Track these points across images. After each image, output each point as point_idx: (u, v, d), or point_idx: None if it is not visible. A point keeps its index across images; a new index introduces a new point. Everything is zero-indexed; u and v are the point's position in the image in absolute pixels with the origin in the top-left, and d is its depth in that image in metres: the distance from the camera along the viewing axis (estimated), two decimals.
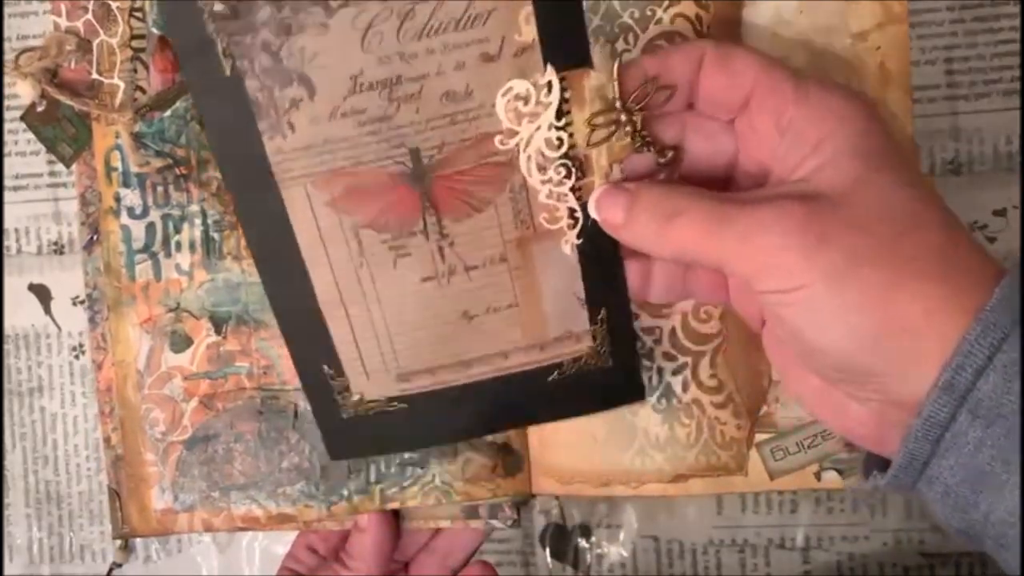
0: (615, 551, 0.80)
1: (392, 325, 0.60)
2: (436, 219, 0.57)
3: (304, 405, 0.67)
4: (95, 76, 0.67)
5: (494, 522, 0.69)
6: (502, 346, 0.61)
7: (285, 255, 0.58)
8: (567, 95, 0.52)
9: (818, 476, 0.66)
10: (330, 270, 0.58)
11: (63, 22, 0.67)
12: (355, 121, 0.54)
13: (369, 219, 0.57)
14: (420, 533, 0.72)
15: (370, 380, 0.62)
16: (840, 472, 0.65)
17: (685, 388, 0.65)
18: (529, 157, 0.53)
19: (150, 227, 0.68)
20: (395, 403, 0.63)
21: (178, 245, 0.68)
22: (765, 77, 0.49)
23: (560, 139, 0.53)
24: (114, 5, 0.67)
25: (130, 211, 0.68)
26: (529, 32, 0.52)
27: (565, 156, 0.53)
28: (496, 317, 0.60)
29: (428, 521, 0.70)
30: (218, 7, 0.51)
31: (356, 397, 0.62)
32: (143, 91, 0.68)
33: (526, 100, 0.52)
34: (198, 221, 0.68)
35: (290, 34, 0.51)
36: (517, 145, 0.53)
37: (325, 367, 0.62)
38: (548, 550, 0.80)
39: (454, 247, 0.58)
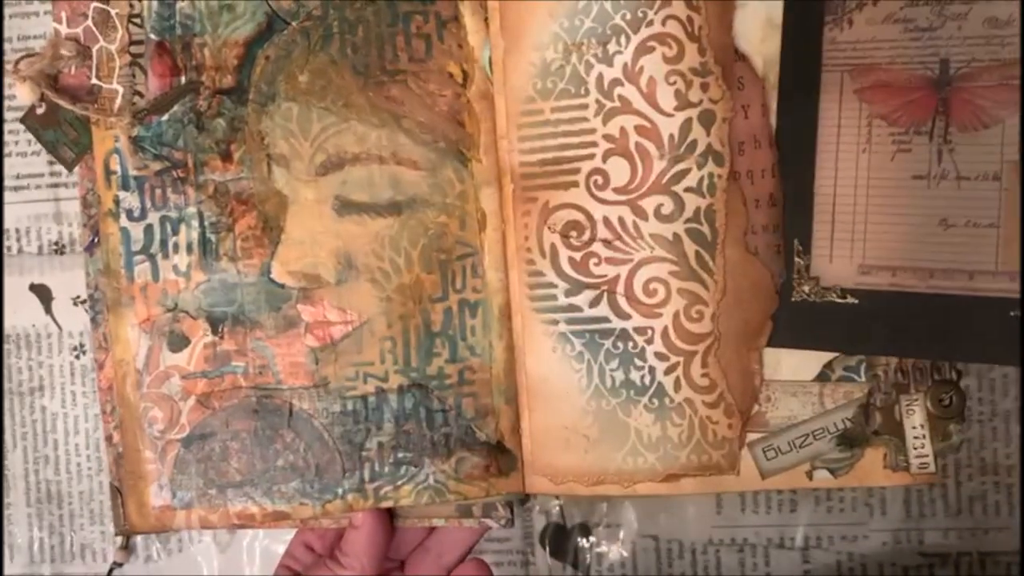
0: (615, 551, 0.81)
1: (871, 212, 0.64)
2: (944, 124, 0.62)
3: (299, 404, 0.69)
4: (94, 81, 0.69)
5: (488, 521, 0.71)
6: (971, 264, 0.62)
7: (805, 134, 0.65)
8: None
9: (810, 475, 0.67)
10: (835, 150, 0.64)
11: (63, 28, 0.69)
12: (903, 27, 0.63)
13: (886, 111, 0.64)
14: (415, 532, 0.73)
15: (832, 264, 0.65)
16: (832, 471, 0.67)
17: (677, 388, 0.66)
18: None
19: (148, 229, 0.70)
20: (848, 296, 0.65)
21: (175, 247, 0.70)
22: None
23: None
24: (113, 12, 0.69)
25: (129, 213, 0.70)
26: None
27: None
28: (973, 233, 0.62)
29: (422, 520, 0.72)
30: None
31: (812, 282, 0.65)
32: (141, 96, 0.70)
33: None
34: (195, 223, 0.70)
35: None
36: None
37: (796, 241, 0.65)
38: (548, 549, 0.82)
39: (953, 153, 0.62)
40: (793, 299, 0.66)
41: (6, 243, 0.85)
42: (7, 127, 0.84)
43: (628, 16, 0.65)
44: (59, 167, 0.83)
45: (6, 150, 0.84)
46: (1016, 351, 0.62)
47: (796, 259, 0.65)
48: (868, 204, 0.64)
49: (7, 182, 0.85)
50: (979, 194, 0.62)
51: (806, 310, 0.65)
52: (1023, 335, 0.62)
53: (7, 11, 0.83)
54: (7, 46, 0.83)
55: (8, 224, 0.85)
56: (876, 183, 0.64)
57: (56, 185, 0.84)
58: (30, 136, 0.78)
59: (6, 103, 0.83)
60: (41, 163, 0.84)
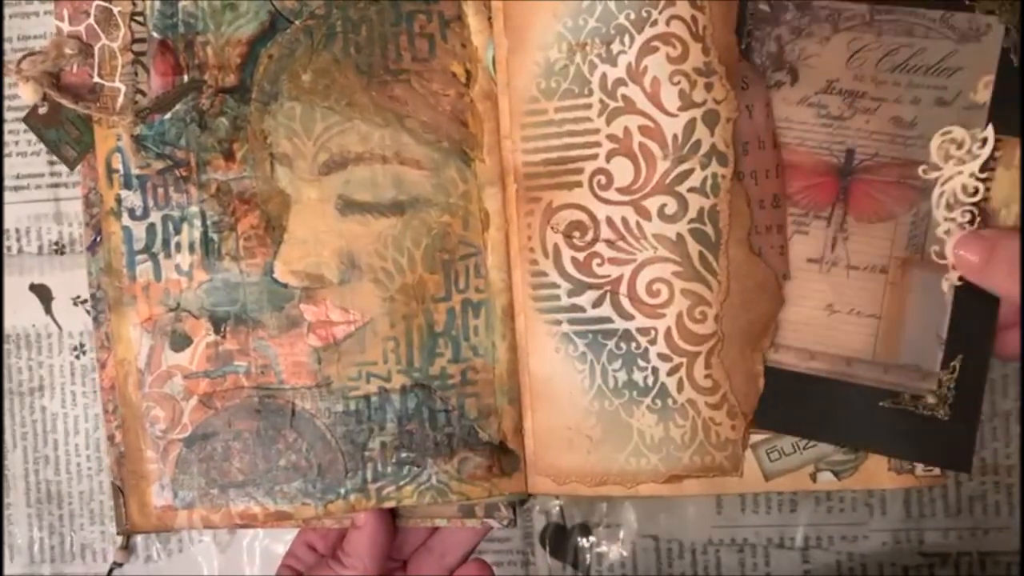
0: (615, 550, 0.82)
1: None
2: (843, 212, 0.65)
3: (301, 404, 0.70)
4: (97, 80, 0.70)
5: (490, 521, 0.71)
6: (849, 351, 0.65)
7: None
8: (997, 155, 0.63)
9: (813, 477, 0.67)
10: None
11: (65, 26, 0.70)
12: (816, 112, 0.66)
13: (790, 191, 0.66)
14: (418, 532, 0.73)
15: None
16: (836, 473, 0.67)
17: (680, 389, 0.66)
18: (943, 193, 0.63)
19: (150, 228, 0.70)
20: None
21: (178, 246, 0.70)
22: None
23: (976, 188, 0.63)
24: (115, 10, 0.69)
25: (131, 212, 0.70)
26: (984, 95, 0.63)
27: (975, 205, 0.63)
28: (856, 321, 0.65)
29: (425, 520, 0.72)
30: (763, 6, 0.66)
31: None
32: (143, 94, 0.70)
33: (959, 145, 0.63)
34: (197, 222, 0.70)
35: (799, 36, 0.65)
36: (936, 179, 0.64)
37: None
38: (548, 549, 0.82)
39: (847, 242, 0.65)
40: None
41: (6, 243, 0.85)
42: (7, 127, 0.84)
43: (632, 16, 0.65)
44: (59, 167, 0.84)
45: (6, 150, 0.85)
46: (877, 439, 0.65)
47: None
48: None
49: (7, 182, 0.85)
50: (866, 284, 0.65)
51: None
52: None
53: (7, 11, 0.84)
54: (7, 46, 0.84)
55: (8, 224, 0.85)
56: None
57: (56, 185, 0.85)
58: (30, 136, 0.79)
59: (7, 103, 0.83)
60: (41, 163, 0.84)
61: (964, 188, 0.63)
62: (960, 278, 0.63)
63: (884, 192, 0.65)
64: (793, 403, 0.66)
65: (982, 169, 0.62)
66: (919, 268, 0.65)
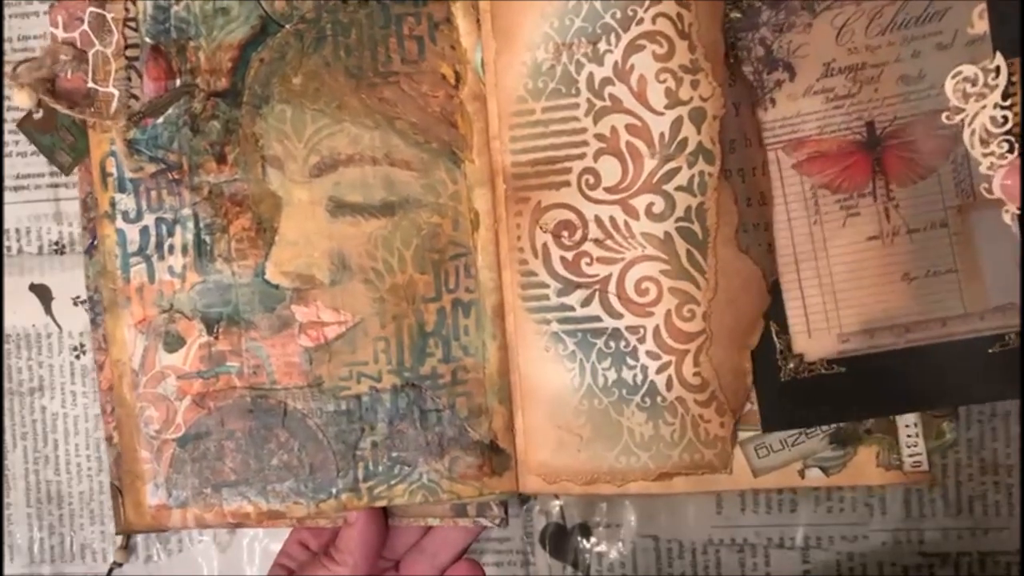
0: (615, 551, 0.82)
1: (837, 281, 0.67)
2: (884, 183, 0.66)
3: (293, 404, 0.71)
4: (91, 85, 0.71)
5: (482, 520, 0.72)
6: (941, 311, 0.66)
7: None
8: (1014, 79, 0.62)
9: (802, 474, 0.69)
10: (788, 227, 0.68)
11: (60, 33, 0.71)
12: (824, 98, 0.67)
13: (827, 180, 0.67)
14: (410, 532, 0.75)
15: (812, 339, 0.68)
16: (824, 470, 0.68)
17: (669, 386, 0.67)
18: (973, 132, 0.63)
19: (144, 231, 0.72)
20: (834, 366, 0.68)
21: (171, 248, 0.71)
22: None
23: (1005, 117, 0.62)
24: (109, 16, 0.71)
25: (125, 215, 0.72)
26: (981, 25, 0.63)
27: (1008, 133, 0.63)
28: (935, 281, 0.66)
29: (417, 519, 0.73)
30: (736, 14, 0.67)
31: (796, 359, 0.68)
32: (136, 99, 0.71)
33: (974, 82, 0.63)
34: (190, 224, 0.71)
35: (782, 32, 0.67)
36: (962, 120, 0.64)
37: (772, 324, 0.68)
38: (548, 549, 0.83)
39: (899, 209, 0.66)
40: (782, 379, 0.68)
41: (6, 243, 0.86)
42: (7, 127, 0.85)
43: (618, 15, 0.66)
44: None
45: (6, 150, 0.85)
46: (1000, 385, 0.65)
47: (775, 340, 0.68)
48: (832, 273, 0.67)
49: (7, 182, 0.85)
50: (932, 243, 0.66)
51: (798, 388, 0.68)
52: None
53: (7, 11, 0.84)
54: (7, 46, 0.84)
55: (8, 224, 0.86)
56: (834, 251, 0.67)
57: (56, 185, 0.85)
58: None
59: (7, 104, 0.84)
60: (41, 163, 0.84)
61: (993, 120, 0.63)
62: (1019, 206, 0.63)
63: (916, 150, 0.66)
64: (908, 380, 0.67)
65: (1004, 97, 0.63)
66: (976, 211, 0.65)
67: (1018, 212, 0.63)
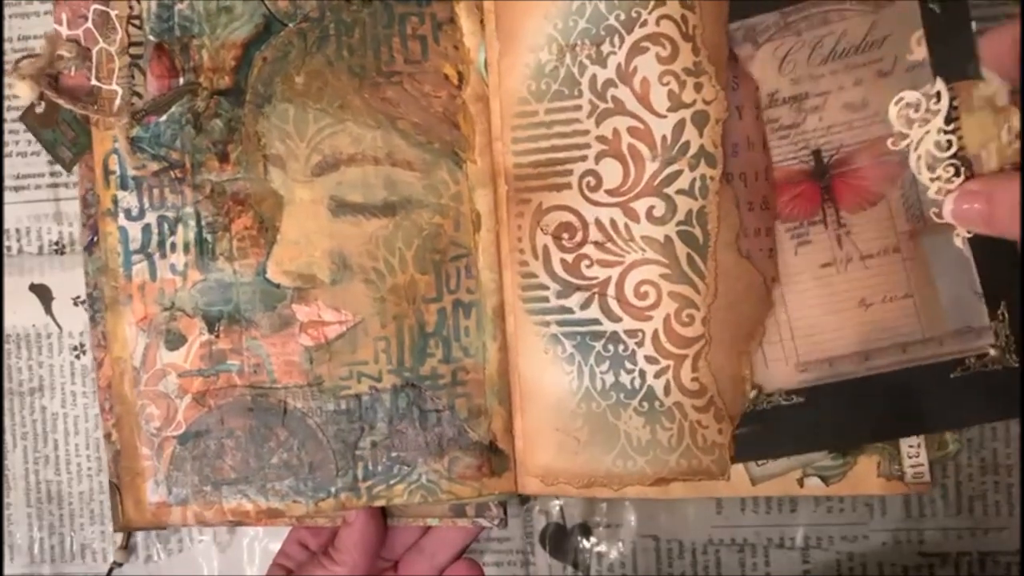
0: (615, 551, 0.82)
1: (793, 311, 0.67)
2: (834, 210, 0.67)
3: (293, 403, 0.71)
4: (94, 82, 0.71)
5: (481, 521, 0.72)
6: (900, 338, 0.66)
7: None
8: (956, 103, 0.63)
9: (801, 483, 0.69)
10: None
11: (64, 30, 0.71)
12: (769, 128, 0.67)
13: (779, 209, 0.67)
14: (409, 532, 0.75)
15: (769, 369, 0.68)
16: (824, 479, 0.68)
17: (667, 391, 0.67)
18: (919, 157, 0.64)
19: (146, 228, 0.72)
20: (793, 396, 0.68)
21: (173, 246, 0.71)
22: None
23: (949, 141, 0.63)
24: (113, 13, 0.71)
25: (127, 213, 0.72)
26: (920, 52, 0.64)
27: (954, 156, 0.63)
28: (892, 307, 0.66)
29: (416, 519, 0.73)
30: None
31: (755, 389, 0.68)
32: (140, 96, 0.71)
33: (916, 108, 0.64)
34: (192, 223, 0.71)
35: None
36: (907, 146, 0.64)
37: None
38: (548, 549, 0.83)
39: (851, 236, 0.67)
40: (742, 410, 0.68)
41: (6, 243, 0.86)
42: (7, 127, 0.85)
43: (622, 16, 0.66)
44: (59, 167, 0.83)
45: (6, 150, 0.85)
46: (963, 411, 0.66)
47: None
48: (787, 303, 0.67)
49: (7, 182, 0.86)
50: (886, 269, 0.66)
51: (757, 419, 0.68)
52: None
53: (7, 11, 0.84)
54: (7, 46, 0.85)
55: (8, 224, 0.86)
56: (788, 281, 0.67)
57: (56, 185, 0.85)
58: (30, 136, 0.80)
59: (7, 103, 0.84)
60: (41, 163, 0.85)
61: (937, 145, 0.63)
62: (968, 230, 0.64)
63: (864, 177, 0.66)
64: (870, 408, 0.67)
65: (947, 122, 0.63)
66: (927, 235, 0.66)
67: (969, 235, 0.64)
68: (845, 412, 0.67)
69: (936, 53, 0.64)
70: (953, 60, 0.63)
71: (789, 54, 0.66)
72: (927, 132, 0.63)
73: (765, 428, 0.67)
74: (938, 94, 0.63)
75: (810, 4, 0.66)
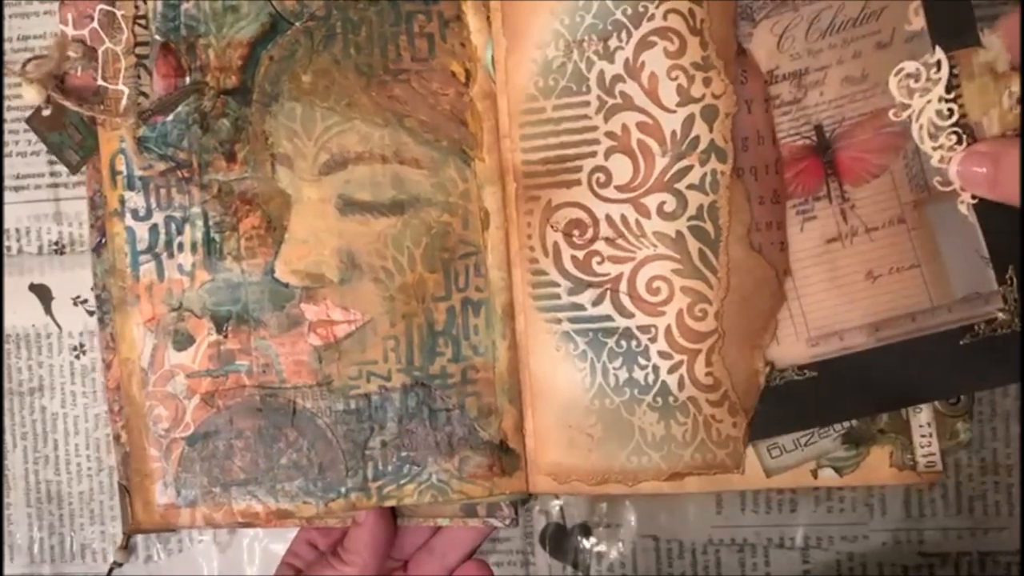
0: (615, 551, 0.83)
1: (801, 287, 0.67)
2: (838, 184, 0.67)
3: (302, 403, 0.71)
4: (100, 82, 0.71)
5: (492, 521, 0.72)
6: (908, 308, 0.66)
7: None
8: (956, 71, 0.63)
9: (815, 474, 0.68)
10: None
11: (70, 30, 0.71)
12: (771, 105, 0.67)
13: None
14: (418, 532, 0.74)
15: (780, 345, 0.68)
16: (837, 470, 0.68)
17: (681, 386, 0.67)
18: (921, 126, 0.64)
19: (153, 229, 0.71)
20: (805, 371, 0.67)
21: (180, 246, 0.71)
22: None
23: (951, 110, 0.63)
24: (119, 13, 0.70)
25: (134, 213, 0.71)
26: (918, 21, 0.64)
27: (956, 125, 0.63)
28: (900, 277, 0.66)
29: (426, 519, 0.73)
30: None
31: (767, 366, 0.68)
32: (146, 96, 0.71)
33: (916, 78, 0.64)
34: (199, 223, 0.71)
35: None
36: (909, 116, 0.64)
37: None
38: (548, 549, 0.83)
39: (855, 209, 0.66)
40: None
41: (6, 243, 0.86)
42: (7, 127, 0.85)
43: (629, 11, 0.66)
44: (59, 167, 0.84)
45: (6, 150, 0.85)
46: (974, 377, 0.66)
47: None
48: (795, 279, 0.67)
49: (7, 182, 0.86)
50: (892, 240, 0.66)
51: (771, 395, 0.68)
52: None
53: (7, 11, 0.84)
54: (7, 46, 0.84)
55: (8, 224, 0.86)
56: (795, 257, 0.67)
57: (56, 185, 0.85)
58: (30, 136, 0.80)
59: (7, 103, 0.84)
60: (41, 163, 0.85)
61: (939, 114, 0.64)
62: (972, 195, 0.64)
63: (867, 150, 0.66)
64: (883, 378, 0.67)
65: (948, 90, 0.63)
66: (932, 204, 0.65)
67: (973, 202, 0.64)
68: (858, 384, 0.67)
69: (934, 22, 0.64)
70: (951, 28, 0.63)
71: (787, 30, 0.66)
72: (928, 101, 0.64)
73: (781, 404, 0.67)
74: (938, 63, 0.63)
75: None
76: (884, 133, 0.66)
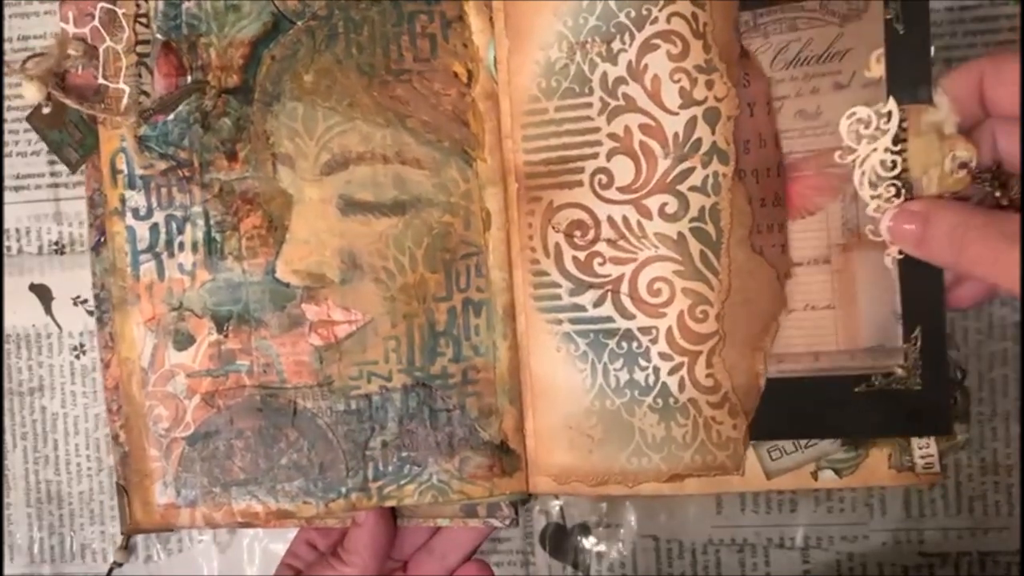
0: (615, 551, 0.83)
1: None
2: None
3: (303, 403, 0.71)
4: (101, 81, 0.71)
5: (492, 521, 0.72)
6: (814, 345, 0.66)
7: None
8: (905, 124, 0.63)
9: (815, 475, 0.68)
10: None
11: (71, 28, 0.71)
12: None
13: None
14: (419, 533, 0.74)
15: None
16: (837, 471, 0.68)
17: (681, 388, 0.67)
18: (863, 173, 0.64)
19: (154, 228, 0.71)
20: None
21: (181, 245, 0.71)
22: None
23: (895, 162, 0.63)
24: (120, 11, 0.70)
25: (135, 212, 0.71)
26: (878, 69, 0.64)
27: (896, 178, 0.63)
28: (813, 315, 0.66)
29: (427, 520, 0.73)
30: None
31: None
32: (147, 95, 0.71)
33: (867, 124, 0.63)
34: (200, 222, 0.71)
35: None
36: (854, 161, 0.64)
37: None
38: (548, 549, 0.83)
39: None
40: None
41: (6, 243, 0.86)
42: (7, 127, 0.85)
43: (632, 14, 0.66)
44: (59, 167, 0.85)
45: (6, 150, 0.86)
46: (862, 425, 0.66)
47: None
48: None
49: (7, 182, 0.86)
50: (813, 278, 0.66)
51: None
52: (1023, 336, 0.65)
53: (7, 11, 0.85)
54: (7, 46, 0.85)
55: (8, 224, 0.86)
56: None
57: (56, 185, 0.85)
58: (30, 136, 0.81)
59: (7, 103, 0.84)
60: (41, 163, 0.85)
61: (882, 164, 0.63)
62: (900, 250, 0.64)
63: (808, 186, 0.66)
64: (774, 409, 0.67)
65: (894, 142, 0.63)
66: (860, 250, 0.65)
67: (899, 257, 0.64)
68: (759, 407, 0.67)
69: (893, 73, 0.64)
70: (908, 82, 0.63)
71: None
72: (874, 149, 0.64)
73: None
74: (889, 113, 0.63)
75: (782, 7, 0.65)
76: (827, 173, 0.66)
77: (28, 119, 0.73)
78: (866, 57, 0.64)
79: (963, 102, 0.61)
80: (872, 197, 0.64)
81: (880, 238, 0.64)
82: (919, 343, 0.65)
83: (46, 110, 0.73)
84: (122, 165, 0.72)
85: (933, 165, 0.62)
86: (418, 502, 0.71)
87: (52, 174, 0.85)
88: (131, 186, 0.72)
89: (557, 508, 0.83)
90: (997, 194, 0.62)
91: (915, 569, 0.80)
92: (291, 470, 0.71)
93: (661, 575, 0.83)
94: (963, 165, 0.62)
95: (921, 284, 0.64)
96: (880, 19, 0.64)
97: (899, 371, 0.65)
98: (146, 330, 0.72)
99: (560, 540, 0.84)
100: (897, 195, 0.63)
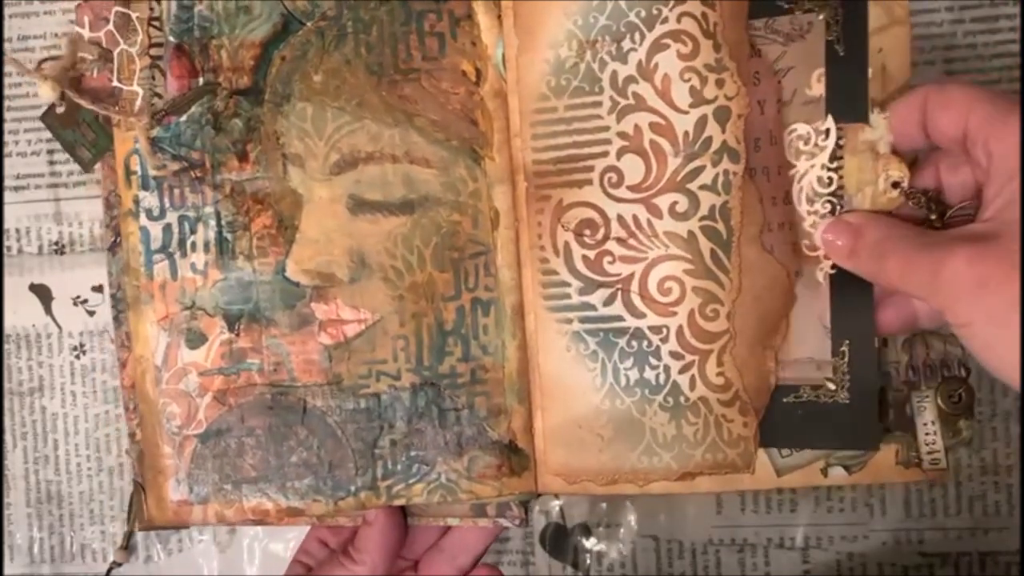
0: (615, 551, 0.83)
1: None
2: None
3: (312, 401, 0.71)
4: (115, 84, 0.71)
5: (502, 521, 0.72)
6: None
7: None
8: (842, 143, 0.65)
9: (825, 472, 0.69)
10: None
11: (86, 33, 0.71)
12: None
13: None
14: (429, 532, 0.75)
15: None
16: (847, 468, 0.68)
17: (692, 386, 0.67)
18: (801, 188, 0.66)
19: (167, 228, 0.72)
20: None
21: (193, 245, 0.72)
22: (979, 108, 0.58)
23: (831, 179, 0.65)
24: (134, 15, 0.71)
25: (148, 213, 0.72)
26: (819, 88, 0.66)
27: (832, 194, 0.65)
28: None
29: (437, 519, 0.74)
30: None
31: None
32: (160, 97, 0.71)
33: (806, 140, 0.66)
34: (212, 222, 0.71)
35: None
36: (792, 176, 0.66)
37: None
38: (548, 549, 0.84)
39: None
40: None
41: (6, 243, 0.86)
42: (7, 127, 0.85)
43: (643, 13, 0.66)
44: (59, 167, 0.85)
45: (6, 150, 0.86)
46: (789, 436, 0.68)
47: None
48: None
49: (7, 182, 0.86)
50: None
51: None
52: None
53: (7, 11, 0.85)
54: (7, 46, 0.85)
55: (8, 224, 0.86)
56: None
57: (56, 185, 0.86)
58: (30, 136, 0.81)
59: (7, 103, 0.84)
60: (41, 163, 0.85)
61: (819, 180, 0.65)
62: (832, 265, 0.66)
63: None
64: None
65: (831, 159, 0.65)
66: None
67: (831, 271, 0.66)
68: None
69: (832, 92, 0.65)
70: (846, 101, 0.65)
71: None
72: (812, 166, 0.66)
73: None
74: (827, 131, 0.65)
75: None
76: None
77: (42, 118, 0.74)
78: (808, 76, 0.66)
79: (908, 127, 0.63)
80: (809, 212, 0.66)
81: (815, 252, 0.66)
82: (847, 357, 0.66)
83: (59, 110, 0.73)
84: (136, 167, 0.72)
85: (868, 183, 0.65)
86: (427, 501, 0.71)
87: (52, 174, 0.86)
88: (144, 187, 0.72)
89: (557, 508, 0.84)
90: (932, 217, 0.63)
91: (915, 569, 0.81)
92: (301, 468, 0.71)
93: (661, 575, 0.83)
94: (895, 184, 0.64)
95: (851, 299, 0.66)
96: (822, 40, 0.65)
97: (828, 384, 0.67)
98: (159, 329, 0.73)
99: (560, 540, 0.84)
100: (832, 211, 0.65)
